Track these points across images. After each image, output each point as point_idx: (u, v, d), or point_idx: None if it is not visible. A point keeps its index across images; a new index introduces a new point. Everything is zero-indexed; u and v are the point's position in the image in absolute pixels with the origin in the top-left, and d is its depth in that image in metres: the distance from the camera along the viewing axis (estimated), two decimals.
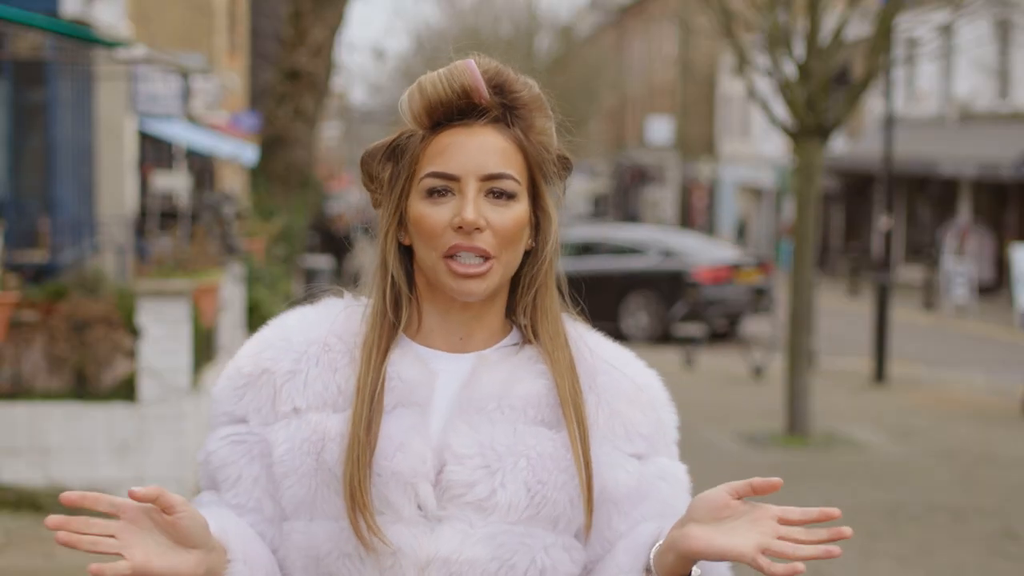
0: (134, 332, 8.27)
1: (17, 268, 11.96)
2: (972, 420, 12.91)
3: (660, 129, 50.98)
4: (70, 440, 8.17)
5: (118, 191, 19.08)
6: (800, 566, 1.63)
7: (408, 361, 1.81)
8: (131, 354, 8.36)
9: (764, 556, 1.64)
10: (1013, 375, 15.96)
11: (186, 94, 20.43)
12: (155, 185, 20.01)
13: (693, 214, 50.27)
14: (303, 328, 1.86)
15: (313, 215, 20.89)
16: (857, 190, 36.04)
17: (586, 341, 1.89)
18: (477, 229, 1.77)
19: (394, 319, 1.83)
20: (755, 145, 43.96)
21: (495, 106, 1.82)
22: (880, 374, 15.46)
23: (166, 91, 19.26)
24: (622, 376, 1.87)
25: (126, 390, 8.29)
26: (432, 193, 1.80)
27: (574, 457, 1.78)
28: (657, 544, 1.76)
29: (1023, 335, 20.34)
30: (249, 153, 22.27)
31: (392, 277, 1.83)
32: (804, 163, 11.77)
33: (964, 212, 30.66)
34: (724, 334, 20.15)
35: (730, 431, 11.89)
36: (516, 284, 1.87)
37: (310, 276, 18.59)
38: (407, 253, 1.86)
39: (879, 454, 11.09)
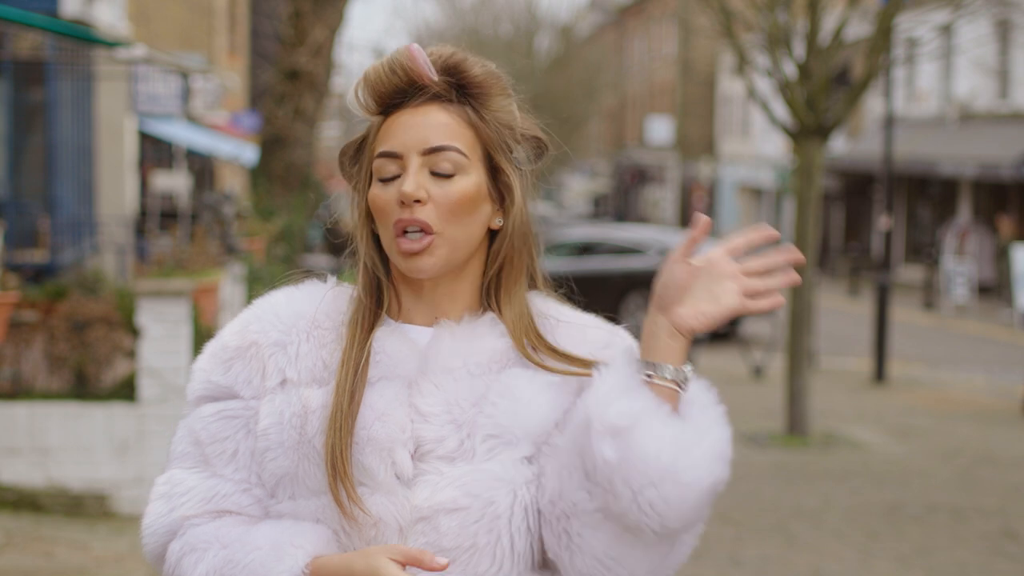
0: (134, 332, 8.26)
1: (17, 268, 11.97)
2: (972, 420, 12.90)
3: (660, 129, 50.98)
4: (70, 440, 8.17)
5: (118, 191, 19.08)
6: (780, 297, 1.77)
7: (394, 338, 1.84)
8: (131, 354, 8.35)
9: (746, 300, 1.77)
10: (1013, 375, 15.96)
11: (186, 94, 20.45)
12: (155, 185, 20.01)
13: (693, 214, 50.19)
14: (291, 303, 1.90)
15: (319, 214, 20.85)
16: (857, 190, 36.03)
17: (553, 314, 1.90)
18: (417, 201, 1.79)
19: (375, 303, 1.86)
20: (755, 145, 43.94)
21: (440, 85, 1.84)
22: (880, 374, 15.45)
23: (166, 91, 19.28)
24: (590, 329, 1.89)
25: (126, 390, 8.29)
26: (384, 175, 1.83)
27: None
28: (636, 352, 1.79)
29: (1023, 335, 20.35)
30: (249, 153, 22.26)
31: (367, 264, 1.87)
32: (804, 163, 11.77)
33: (964, 212, 30.65)
34: (724, 334, 20.13)
35: (730, 431, 11.88)
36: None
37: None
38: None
39: (879, 454, 11.09)
